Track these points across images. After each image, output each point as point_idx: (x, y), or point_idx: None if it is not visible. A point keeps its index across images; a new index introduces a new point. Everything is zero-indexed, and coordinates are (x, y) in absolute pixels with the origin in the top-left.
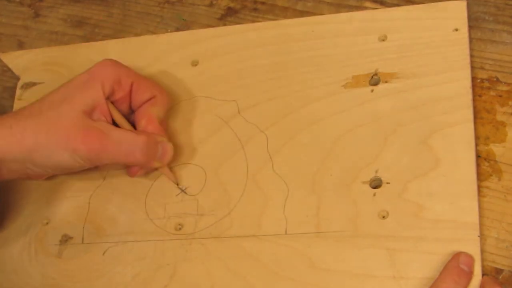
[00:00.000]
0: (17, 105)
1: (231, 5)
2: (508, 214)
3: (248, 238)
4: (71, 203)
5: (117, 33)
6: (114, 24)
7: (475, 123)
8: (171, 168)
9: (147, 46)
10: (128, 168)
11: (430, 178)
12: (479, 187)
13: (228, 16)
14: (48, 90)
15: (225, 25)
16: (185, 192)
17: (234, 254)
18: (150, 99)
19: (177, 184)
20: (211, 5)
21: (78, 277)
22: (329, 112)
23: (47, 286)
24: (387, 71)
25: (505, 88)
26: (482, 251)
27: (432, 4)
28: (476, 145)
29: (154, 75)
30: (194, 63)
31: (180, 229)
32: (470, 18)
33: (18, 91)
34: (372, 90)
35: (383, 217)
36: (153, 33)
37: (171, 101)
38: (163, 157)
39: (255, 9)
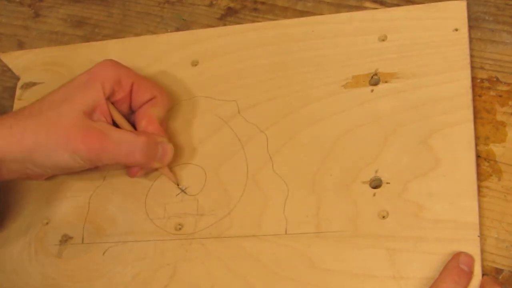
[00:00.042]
0: (17, 105)
1: (231, 5)
2: (508, 214)
3: (248, 238)
4: (71, 203)
5: (117, 33)
6: (114, 24)
7: (475, 123)
8: (171, 168)
9: (147, 46)
10: (128, 169)
11: (430, 178)
12: (479, 187)
13: (228, 16)
14: (48, 90)
15: (225, 25)
16: (185, 192)
17: (234, 254)
18: (150, 99)
19: (177, 185)
20: (211, 5)
21: (78, 277)
22: (329, 112)
23: (47, 286)
24: (387, 71)
25: (505, 88)
26: (482, 251)
27: (432, 4)
28: (476, 145)
29: (154, 75)
30: (194, 63)
31: (180, 229)
32: (470, 18)
33: (18, 91)
34: (372, 90)
35: (383, 217)
36: (153, 33)
37: (171, 101)
38: (163, 157)
39: (255, 9)
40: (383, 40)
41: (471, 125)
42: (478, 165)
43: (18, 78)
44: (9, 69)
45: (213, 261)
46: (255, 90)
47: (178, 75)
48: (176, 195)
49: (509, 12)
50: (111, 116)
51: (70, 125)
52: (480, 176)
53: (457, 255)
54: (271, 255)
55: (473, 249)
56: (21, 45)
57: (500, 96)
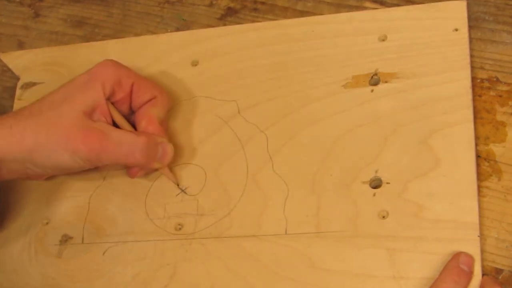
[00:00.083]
0: (17, 105)
1: (231, 5)
2: (508, 214)
3: (248, 238)
4: (71, 203)
5: (117, 33)
6: (114, 24)
7: (475, 123)
8: (171, 169)
9: (147, 46)
10: (128, 169)
11: (430, 178)
12: (479, 187)
13: (228, 16)
14: (48, 90)
15: (225, 25)
16: (185, 192)
17: (234, 254)
18: (150, 99)
19: (177, 185)
20: (211, 5)
21: (78, 277)
22: (329, 112)
23: (47, 286)
24: (387, 71)
25: (505, 88)
26: (482, 251)
27: (432, 4)
28: (476, 145)
29: (154, 75)
30: (194, 63)
31: (180, 229)
32: (470, 18)
33: (18, 91)
34: (372, 90)
35: (383, 217)
36: (153, 33)
37: (171, 101)
38: (163, 158)
39: (255, 9)
40: (383, 40)
41: (471, 125)
42: (478, 165)
43: (18, 78)
44: (9, 69)
45: (213, 261)
46: (255, 90)
47: (178, 75)
48: (176, 195)
49: (509, 12)
50: (111, 116)
51: (70, 125)
52: (480, 176)
53: (457, 255)
54: (271, 255)
55: (473, 249)
56: (21, 45)
57: (500, 96)
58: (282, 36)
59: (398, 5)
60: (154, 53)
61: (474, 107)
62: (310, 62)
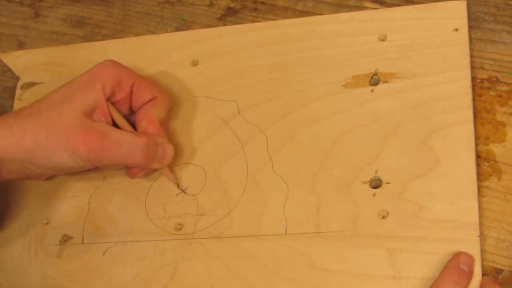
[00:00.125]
0: (17, 105)
1: (231, 5)
2: (508, 214)
3: (248, 238)
4: (71, 203)
5: (117, 33)
6: (114, 24)
7: (475, 123)
8: (171, 169)
9: (147, 46)
10: (128, 169)
11: (430, 178)
12: (479, 187)
13: (228, 16)
14: (48, 90)
15: (225, 25)
16: (185, 192)
17: (234, 254)
18: (150, 100)
19: (177, 185)
20: (211, 5)
21: (78, 277)
22: (329, 112)
23: (47, 286)
24: (387, 71)
25: (505, 88)
26: (482, 251)
27: (432, 4)
28: (476, 145)
29: (154, 75)
30: (194, 63)
31: (180, 229)
32: (470, 18)
33: (18, 91)
34: (372, 90)
35: (383, 217)
36: (153, 33)
37: (171, 102)
38: (163, 158)
39: (255, 9)
40: (383, 40)
41: (471, 125)
42: (478, 165)
43: (18, 78)
44: (9, 69)
45: (213, 261)
46: (255, 90)
47: (178, 75)
48: (176, 195)
49: (509, 12)
50: (111, 117)
51: (70, 125)
52: (480, 176)
53: (457, 255)
54: (271, 255)
55: (473, 249)
56: (21, 45)
57: (500, 96)
58: (282, 36)
59: (398, 5)
60: (154, 53)
61: (474, 107)
62: (310, 62)
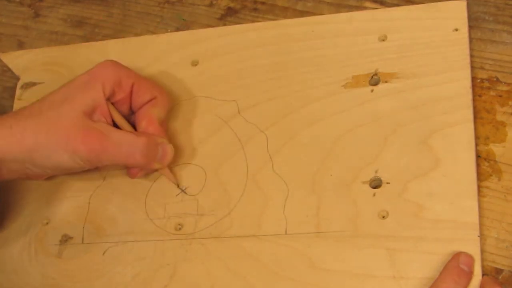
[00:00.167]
0: (17, 105)
1: (231, 5)
2: (508, 214)
3: (248, 238)
4: (71, 203)
5: (117, 33)
6: (114, 24)
7: (475, 123)
8: (171, 169)
9: (147, 46)
10: (128, 169)
11: (430, 178)
12: (479, 187)
13: (228, 16)
14: (48, 90)
15: (225, 25)
16: (185, 192)
17: (234, 254)
18: (150, 100)
19: (177, 185)
20: (211, 5)
21: (78, 277)
22: (329, 112)
23: (47, 286)
24: (387, 71)
25: (505, 88)
26: (482, 251)
27: (432, 4)
28: (476, 145)
29: (154, 75)
30: (194, 63)
31: (180, 229)
32: (470, 18)
33: (18, 91)
34: (372, 90)
35: (383, 217)
36: (153, 33)
37: (171, 102)
38: (163, 158)
39: (255, 9)
40: (383, 40)
41: (471, 125)
42: (478, 165)
43: (18, 78)
44: (9, 69)
45: (213, 261)
46: (255, 90)
47: (178, 75)
48: (176, 195)
49: (509, 12)
50: (111, 117)
51: (70, 125)
52: (480, 176)
53: (457, 255)
54: (271, 255)
55: (473, 249)
56: (21, 45)
57: (500, 96)
58: (282, 36)
59: (398, 5)
60: (154, 53)
61: (474, 107)
62: (310, 62)
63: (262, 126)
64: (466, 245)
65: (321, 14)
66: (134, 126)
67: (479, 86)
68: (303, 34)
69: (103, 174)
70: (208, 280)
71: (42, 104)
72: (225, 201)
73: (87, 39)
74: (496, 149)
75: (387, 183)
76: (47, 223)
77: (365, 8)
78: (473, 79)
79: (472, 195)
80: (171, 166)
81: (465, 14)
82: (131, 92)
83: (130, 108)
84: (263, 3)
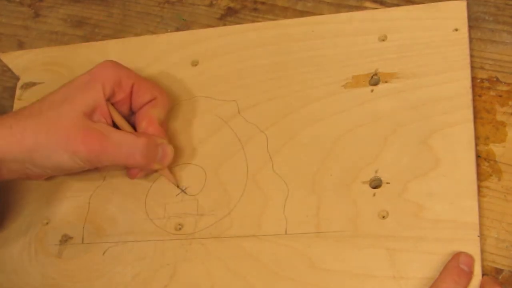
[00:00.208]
0: (17, 105)
1: (231, 5)
2: (508, 214)
3: (248, 238)
4: (71, 203)
5: (117, 33)
6: (114, 24)
7: (475, 123)
8: (171, 169)
9: (147, 46)
10: (128, 170)
11: (430, 178)
12: (479, 187)
13: (228, 16)
14: (48, 90)
15: (225, 25)
16: (185, 192)
17: (234, 254)
18: (150, 100)
19: (177, 186)
20: (211, 5)
21: (78, 277)
22: (329, 112)
23: (47, 286)
24: (387, 71)
25: (505, 88)
26: (482, 251)
27: (432, 4)
28: (476, 145)
29: (154, 75)
30: (194, 63)
31: (180, 229)
32: (470, 18)
33: (18, 91)
34: (372, 90)
35: (383, 217)
36: (153, 33)
37: (171, 102)
38: (163, 159)
39: (255, 9)
40: (383, 40)
41: (471, 125)
42: (478, 165)
43: (18, 78)
44: (9, 69)
45: (213, 261)
46: (255, 90)
47: (178, 75)
48: (176, 195)
49: (509, 12)
50: (111, 117)
51: (70, 125)
52: (480, 176)
53: (457, 255)
54: (271, 255)
55: (473, 249)
56: (21, 45)
57: (500, 96)
58: (282, 36)
59: (398, 5)
60: (154, 53)
61: (474, 107)
62: (310, 62)
63: (262, 126)
64: (466, 245)
65: (321, 14)
66: (134, 127)
67: (479, 86)
68: (303, 34)
69: (103, 174)
70: (208, 280)
71: (42, 104)
72: (225, 201)
73: (87, 39)
74: (496, 149)
75: (387, 183)
76: (47, 223)
77: (365, 8)
78: (473, 79)
79: (472, 195)
80: (171, 167)
81: (465, 14)
82: (131, 93)
83: (130, 108)
84: (263, 3)
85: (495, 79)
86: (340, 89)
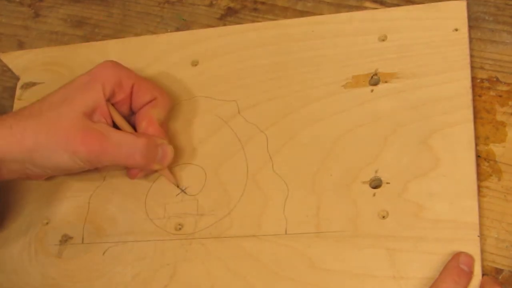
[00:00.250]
0: (17, 105)
1: (231, 5)
2: (508, 214)
3: (248, 238)
4: (71, 203)
5: (117, 33)
6: (114, 24)
7: (475, 123)
8: (171, 169)
9: (147, 46)
10: (128, 170)
11: (430, 178)
12: (479, 187)
13: (228, 16)
14: (48, 90)
15: (225, 25)
16: (185, 192)
17: (234, 254)
18: (150, 101)
19: (177, 186)
20: (211, 5)
21: (78, 277)
22: (329, 112)
23: (47, 286)
24: (387, 71)
25: (505, 88)
26: (482, 251)
27: (432, 4)
28: (476, 145)
29: (154, 75)
30: (194, 63)
31: (180, 229)
32: (470, 18)
33: (18, 91)
34: (372, 90)
35: (383, 217)
36: (153, 33)
37: (171, 103)
38: (163, 159)
39: (255, 9)
40: (383, 40)
41: (471, 125)
42: (478, 165)
43: (18, 78)
44: (9, 69)
45: (213, 261)
46: (255, 90)
47: (178, 75)
48: (176, 195)
49: (509, 12)
50: (111, 118)
51: (70, 125)
52: (480, 176)
53: (457, 255)
54: (271, 255)
55: (473, 249)
56: (21, 45)
57: (500, 96)
58: (282, 36)
59: (398, 5)
60: (154, 53)
61: (474, 107)
62: (310, 62)
63: (262, 126)
64: (466, 245)
65: (321, 14)
66: (134, 127)
67: (479, 86)
68: (303, 34)
69: (103, 174)
70: (208, 280)
71: (42, 104)
72: (225, 201)
73: (87, 39)
74: (496, 149)
75: (387, 183)
76: (47, 223)
77: (365, 8)
78: (473, 79)
79: (472, 195)
80: (171, 167)
81: (465, 14)
82: (131, 93)
83: (130, 109)
84: (263, 3)
85: (495, 79)
86: (340, 89)
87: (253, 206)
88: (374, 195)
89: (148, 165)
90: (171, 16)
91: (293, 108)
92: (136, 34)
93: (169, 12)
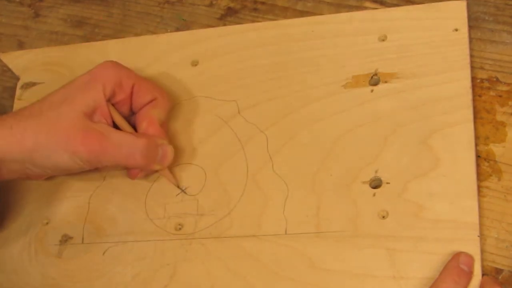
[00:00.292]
0: (17, 105)
1: (231, 5)
2: (508, 214)
3: (248, 238)
4: (71, 203)
5: (117, 33)
6: (114, 24)
7: (475, 123)
8: (171, 169)
9: (147, 46)
10: (128, 170)
11: (430, 178)
12: (479, 187)
13: (228, 16)
14: (48, 90)
15: (225, 25)
16: (185, 192)
17: (234, 254)
18: (151, 101)
19: (178, 186)
20: (211, 5)
21: (78, 277)
22: (329, 112)
23: (47, 286)
24: (387, 71)
25: (505, 88)
26: (482, 251)
27: (432, 4)
28: (476, 145)
29: (154, 75)
30: (194, 63)
31: (180, 229)
32: (470, 18)
33: (18, 91)
34: (372, 90)
35: (383, 217)
36: (153, 33)
37: (172, 103)
38: (163, 160)
39: (255, 9)
40: (383, 40)
41: (471, 125)
42: (478, 165)
43: (18, 78)
44: (9, 69)
45: (213, 261)
46: (255, 90)
47: (178, 75)
48: (176, 195)
49: (509, 12)
50: (112, 118)
51: (70, 125)
52: (480, 176)
53: (457, 255)
54: (271, 255)
55: (473, 249)
56: (21, 45)
57: (500, 96)
58: (282, 36)
59: (398, 5)
60: (154, 53)
61: (474, 107)
62: (310, 62)
63: (262, 126)
64: (466, 245)
65: (321, 14)
66: (134, 127)
67: (479, 86)
68: (303, 34)
69: (103, 174)
70: (208, 280)
71: (42, 105)
72: (225, 201)
73: (87, 39)
74: (496, 149)
75: (387, 183)
76: (47, 223)
77: (365, 8)
78: (473, 79)
79: (472, 195)
80: (171, 167)
81: (465, 14)
82: (131, 93)
83: (131, 109)
84: (263, 3)
85: (495, 79)
86: (340, 89)
87: (253, 206)
88: (374, 195)
89: (148, 165)
90: (171, 16)
91: (293, 108)
92: (136, 34)
93: (169, 12)
